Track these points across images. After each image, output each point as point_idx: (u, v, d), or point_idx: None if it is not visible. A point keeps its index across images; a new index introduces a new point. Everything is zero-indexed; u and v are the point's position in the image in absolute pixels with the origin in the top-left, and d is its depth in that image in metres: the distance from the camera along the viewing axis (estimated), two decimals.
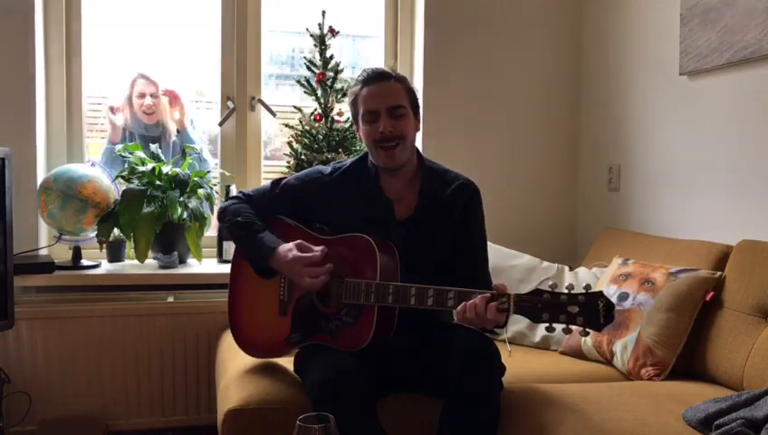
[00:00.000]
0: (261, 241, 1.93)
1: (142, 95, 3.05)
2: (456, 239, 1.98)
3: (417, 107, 2.00)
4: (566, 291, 1.63)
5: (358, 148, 2.86)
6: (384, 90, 1.93)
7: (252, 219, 1.98)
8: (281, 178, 2.10)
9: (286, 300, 1.96)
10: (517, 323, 2.45)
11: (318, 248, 1.87)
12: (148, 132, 3.09)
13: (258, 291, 2.00)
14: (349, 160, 2.07)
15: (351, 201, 1.98)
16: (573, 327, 1.63)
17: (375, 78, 1.94)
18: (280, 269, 1.91)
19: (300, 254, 1.86)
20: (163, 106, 3.08)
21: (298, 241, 1.90)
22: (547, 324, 1.65)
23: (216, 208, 2.75)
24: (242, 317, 2.05)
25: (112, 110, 3.06)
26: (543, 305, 1.63)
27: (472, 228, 2.01)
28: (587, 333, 1.63)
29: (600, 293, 1.61)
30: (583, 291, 1.62)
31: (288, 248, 1.88)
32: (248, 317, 2.03)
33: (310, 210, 2.02)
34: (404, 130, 1.92)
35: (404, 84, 1.96)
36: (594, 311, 1.60)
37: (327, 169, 2.06)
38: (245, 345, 2.04)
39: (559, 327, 1.64)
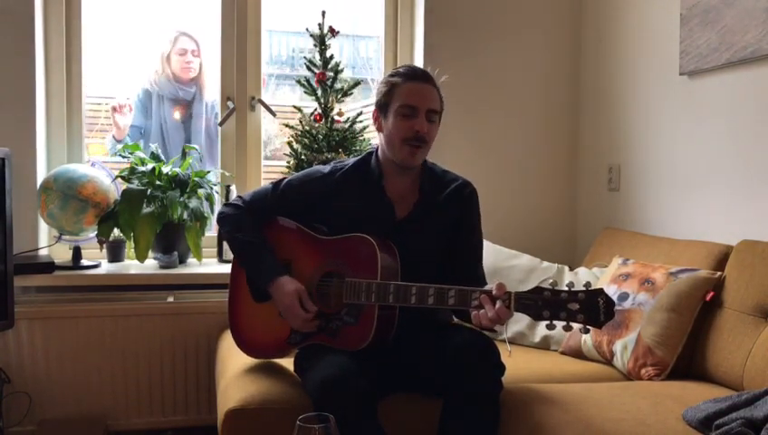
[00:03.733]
0: (263, 264, 1.94)
1: (184, 52, 3.12)
2: (452, 240, 1.99)
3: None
4: (566, 288, 1.64)
5: (358, 148, 2.85)
6: (428, 91, 1.94)
7: (252, 239, 1.98)
8: (281, 179, 2.09)
9: None
10: (517, 323, 2.45)
11: (313, 309, 1.87)
12: (181, 95, 3.14)
13: None
14: (350, 160, 2.07)
15: (352, 201, 1.98)
16: (574, 325, 1.63)
17: (421, 77, 1.95)
18: (276, 297, 1.91)
19: (298, 301, 1.87)
20: (202, 66, 3.16)
21: (302, 289, 1.89)
22: (548, 322, 1.66)
23: (216, 208, 2.75)
24: (242, 318, 2.05)
25: (115, 109, 3.06)
26: (544, 303, 1.64)
27: (469, 229, 2.03)
28: (587, 331, 1.64)
29: (601, 290, 1.62)
30: (583, 288, 1.62)
31: (292, 284, 1.89)
32: (248, 318, 2.03)
33: (310, 210, 2.01)
34: (431, 137, 1.96)
35: (439, 93, 1.98)
36: (594, 308, 1.60)
37: (326, 168, 2.06)
38: (245, 346, 2.04)
39: (559, 325, 1.65)
